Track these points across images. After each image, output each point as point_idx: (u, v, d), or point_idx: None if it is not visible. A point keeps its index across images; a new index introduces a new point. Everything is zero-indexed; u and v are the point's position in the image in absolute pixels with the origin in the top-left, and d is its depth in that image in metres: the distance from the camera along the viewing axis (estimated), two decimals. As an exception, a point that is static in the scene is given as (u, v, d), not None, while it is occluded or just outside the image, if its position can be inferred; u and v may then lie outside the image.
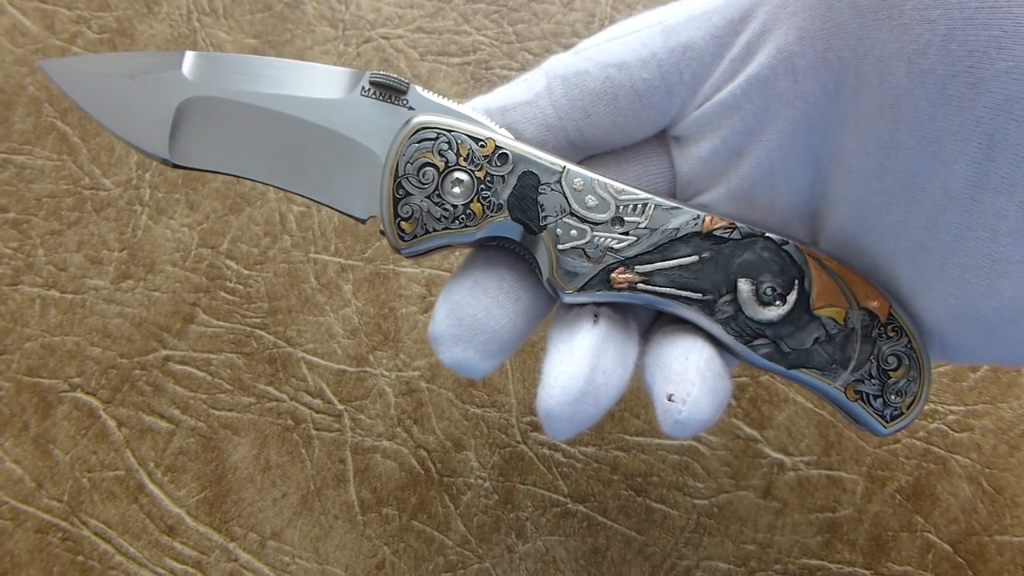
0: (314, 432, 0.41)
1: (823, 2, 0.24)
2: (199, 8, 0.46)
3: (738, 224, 0.26)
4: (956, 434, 0.40)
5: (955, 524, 0.40)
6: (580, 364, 0.25)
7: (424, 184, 0.26)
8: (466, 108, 0.27)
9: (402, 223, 0.26)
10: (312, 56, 0.45)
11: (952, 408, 0.41)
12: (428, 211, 0.26)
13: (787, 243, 0.26)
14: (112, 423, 0.42)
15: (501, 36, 0.45)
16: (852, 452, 0.40)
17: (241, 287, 0.43)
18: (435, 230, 0.26)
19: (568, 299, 0.26)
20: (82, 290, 0.43)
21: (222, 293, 0.43)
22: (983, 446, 0.40)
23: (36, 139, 0.45)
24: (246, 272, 0.43)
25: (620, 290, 0.26)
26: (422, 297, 0.42)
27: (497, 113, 0.27)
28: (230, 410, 0.42)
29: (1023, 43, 0.21)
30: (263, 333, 0.42)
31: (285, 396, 0.42)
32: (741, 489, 0.40)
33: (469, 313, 0.26)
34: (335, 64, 0.45)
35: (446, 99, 0.27)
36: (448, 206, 0.26)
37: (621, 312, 0.27)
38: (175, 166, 0.27)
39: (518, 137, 0.27)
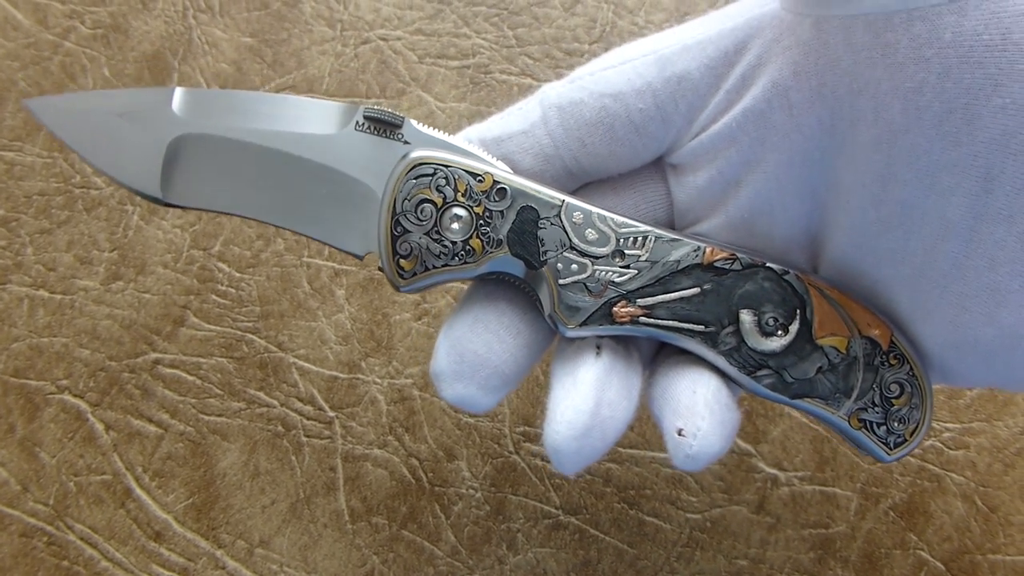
0: (304, 439, 0.41)
1: (817, 38, 0.24)
2: (195, 5, 0.45)
3: (739, 255, 0.26)
4: (951, 452, 0.40)
5: (948, 542, 0.39)
6: (585, 398, 0.25)
7: (422, 221, 0.26)
8: (461, 139, 0.27)
9: (401, 261, 0.26)
10: (309, 56, 0.45)
11: (948, 425, 0.40)
12: (427, 248, 0.26)
13: (788, 273, 0.26)
14: (100, 426, 0.41)
15: (501, 40, 0.45)
16: (846, 468, 0.40)
17: (233, 290, 0.42)
18: (435, 267, 0.26)
19: (570, 333, 0.26)
20: (71, 290, 0.43)
21: (213, 296, 0.42)
22: (978, 464, 0.40)
23: (27, 135, 0.44)
24: (238, 275, 0.42)
25: (622, 324, 0.26)
26: (416, 304, 0.42)
27: (493, 144, 0.27)
28: (219, 415, 0.41)
29: (1019, 80, 0.21)
30: (254, 337, 0.42)
31: (276, 402, 0.41)
32: (734, 504, 0.40)
33: (470, 349, 0.26)
34: (332, 65, 0.44)
35: (441, 132, 0.27)
36: (447, 243, 0.26)
37: (623, 343, 0.27)
38: (168, 205, 0.27)
39: (515, 167, 0.27)
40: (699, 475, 0.40)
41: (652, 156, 0.28)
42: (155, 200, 0.27)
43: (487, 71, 0.44)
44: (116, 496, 0.41)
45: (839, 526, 0.40)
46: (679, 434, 0.25)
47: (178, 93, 0.27)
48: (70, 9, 0.45)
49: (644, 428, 0.41)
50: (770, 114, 0.25)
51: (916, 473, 0.40)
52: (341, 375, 0.41)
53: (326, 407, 0.41)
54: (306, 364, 0.42)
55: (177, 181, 0.27)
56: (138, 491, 0.41)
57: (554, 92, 0.27)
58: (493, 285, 0.28)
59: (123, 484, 0.41)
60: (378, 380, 0.41)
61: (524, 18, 0.45)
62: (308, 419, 0.41)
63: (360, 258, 0.27)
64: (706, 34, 0.26)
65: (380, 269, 0.26)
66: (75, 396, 0.42)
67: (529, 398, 0.41)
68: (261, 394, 0.41)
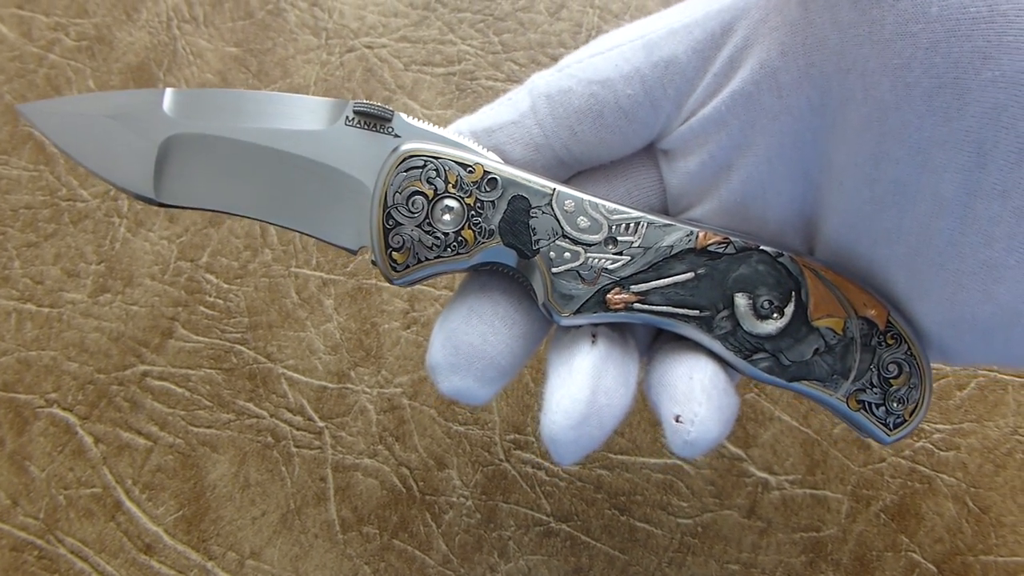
0: (294, 449, 0.41)
1: (803, 18, 0.24)
2: (179, 15, 0.45)
3: (732, 238, 0.26)
4: (942, 453, 0.40)
5: (940, 544, 0.39)
6: (581, 387, 0.25)
7: (414, 213, 0.26)
8: (451, 132, 0.27)
9: (394, 253, 0.26)
10: (294, 65, 0.44)
11: (938, 427, 0.40)
12: (419, 240, 0.26)
13: (782, 255, 0.26)
14: (89, 439, 0.41)
15: (487, 46, 0.45)
16: (837, 471, 0.40)
17: (221, 301, 0.42)
18: (427, 259, 0.26)
19: (565, 322, 0.26)
20: (59, 304, 0.42)
21: (201, 307, 0.42)
22: (969, 465, 0.40)
23: (12, 148, 0.44)
24: (226, 286, 0.42)
25: (617, 311, 0.26)
26: (405, 312, 0.42)
27: (483, 135, 0.27)
28: (209, 427, 0.41)
29: (1008, 53, 0.21)
30: (243, 348, 0.42)
31: (265, 413, 0.41)
32: (725, 508, 0.40)
33: (465, 341, 0.26)
34: (318, 74, 0.44)
35: (431, 124, 0.27)
36: (439, 234, 0.26)
37: (619, 330, 0.27)
38: (161, 205, 0.27)
39: (505, 158, 0.27)
40: (690, 480, 0.40)
41: (643, 142, 0.28)
42: (148, 200, 0.27)
43: (473, 77, 0.44)
44: (106, 509, 0.41)
45: (830, 529, 0.40)
46: (677, 421, 0.25)
47: (169, 94, 0.27)
48: (54, 22, 0.45)
49: (635, 434, 0.41)
50: (759, 96, 0.25)
51: (907, 475, 0.40)
52: (330, 385, 0.41)
53: (316, 417, 0.41)
54: (295, 374, 0.41)
55: (170, 181, 0.27)
56: (128, 504, 0.41)
57: (543, 81, 0.27)
58: (487, 276, 0.28)
59: (113, 497, 0.41)
60: (368, 389, 0.41)
61: (509, 24, 0.45)
62: (298, 429, 0.41)
63: (353, 252, 0.27)
64: (692, 17, 0.26)
65: (373, 263, 0.26)
66: (64, 409, 0.42)
67: (519, 405, 0.41)
68: (250, 405, 0.41)
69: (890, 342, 0.26)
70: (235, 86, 0.44)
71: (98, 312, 0.42)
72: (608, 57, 0.26)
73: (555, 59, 0.44)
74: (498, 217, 0.26)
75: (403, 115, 0.27)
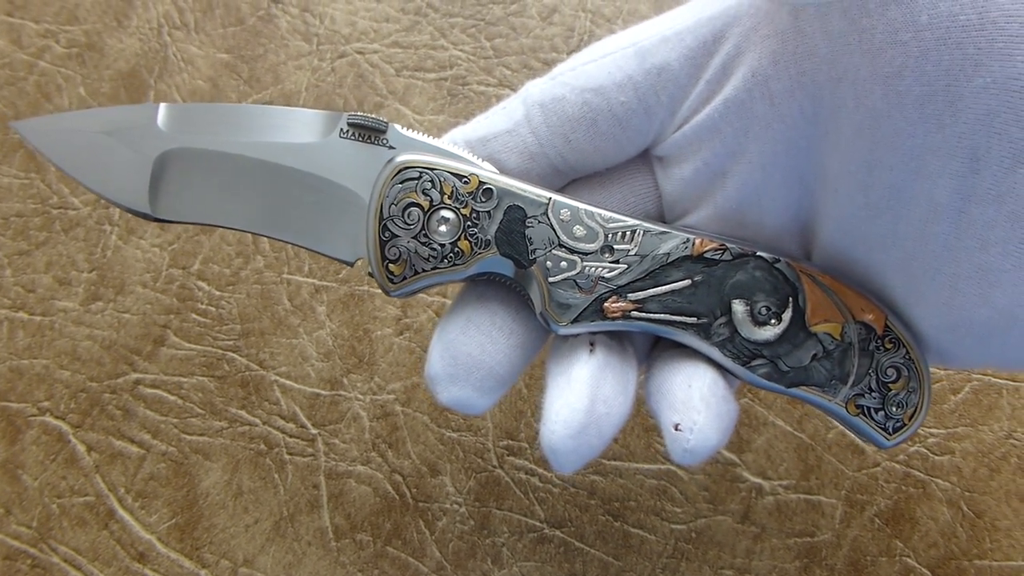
0: (287, 457, 0.41)
1: (794, 27, 0.24)
2: (170, 22, 0.45)
3: (729, 245, 0.26)
4: (936, 457, 0.40)
5: (934, 548, 0.39)
6: (579, 396, 0.25)
7: (410, 225, 0.26)
8: (446, 142, 0.27)
9: (390, 265, 0.26)
10: (285, 71, 0.44)
11: (932, 431, 0.40)
12: (416, 252, 0.26)
13: (779, 261, 0.26)
14: (82, 448, 0.41)
15: (478, 51, 0.44)
16: (831, 476, 0.40)
17: (213, 309, 0.42)
18: (424, 270, 0.26)
19: (562, 331, 0.26)
20: (51, 312, 0.42)
21: (193, 315, 0.42)
22: (963, 469, 0.40)
23: (3, 157, 0.44)
24: (218, 293, 0.42)
25: (614, 319, 0.26)
26: (397, 319, 0.42)
27: (478, 144, 0.27)
28: (202, 434, 0.41)
29: (999, 59, 0.21)
30: (235, 356, 0.42)
31: (258, 420, 0.41)
32: (719, 514, 0.40)
33: (463, 351, 0.26)
34: (309, 80, 0.44)
35: (425, 135, 0.27)
36: (435, 245, 0.26)
37: (617, 338, 0.27)
38: (157, 220, 0.27)
39: (501, 167, 0.27)
40: (683, 485, 0.40)
41: (637, 149, 0.28)
42: (144, 216, 0.27)
43: (465, 83, 0.44)
44: (99, 517, 0.41)
45: (824, 534, 0.39)
46: (676, 429, 0.25)
47: (163, 109, 0.27)
48: (44, 29, 0.45)
49: (628, 439, 0.41)
50: (751, 104, 0.25)
51: (901, 479, 0.40)
52: (323, 392, 0.41)
53: (308, 424, 0.41)
54: (288, 381, 0.41)
55: (165, 196, 0.27)
56: (121, 512, 0.41)
57: (536, 89, 0.27)
58: (484, 286, 0.28)
59: (106, 505, 0.41)
60: (360, 396, 0.41)
61: (501, 28, 0.45)
62: (291, 437, 0.41)
63: (350, 264, 0.27)
64: (684, 24, 0.26)
65: (370, 274, 0.26)
66: (56, 418, 0.41)
67: (512, 411, 0.41)
68: (243, 412, 0.41)
69: (888, 346, 0.26)
70: (226, 92, 0.44)
71: (90, 320, 0.42)
72: (601, 64, 0.26)
73: (547, 64, 0.44)
74: (494, 227, 0.26)
75: (397, 126, 0.27)
